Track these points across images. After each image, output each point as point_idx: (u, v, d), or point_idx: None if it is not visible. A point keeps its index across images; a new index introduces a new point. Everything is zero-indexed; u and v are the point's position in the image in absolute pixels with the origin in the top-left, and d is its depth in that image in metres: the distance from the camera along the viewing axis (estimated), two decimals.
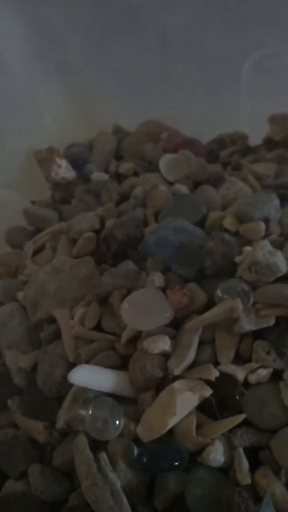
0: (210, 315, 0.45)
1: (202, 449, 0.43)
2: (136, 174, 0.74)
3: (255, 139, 0.76)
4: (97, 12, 0.73)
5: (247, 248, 0.49)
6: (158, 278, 0.49)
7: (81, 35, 0.75)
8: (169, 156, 0.70)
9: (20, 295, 0.57)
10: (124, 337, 0.48)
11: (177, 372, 0.44)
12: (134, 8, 0.71)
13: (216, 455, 0.42)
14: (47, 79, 0.75)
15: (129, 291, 0.51)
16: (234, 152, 0.76)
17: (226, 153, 0.76)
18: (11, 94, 0.73)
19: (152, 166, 0.73)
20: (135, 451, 0.44)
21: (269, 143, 0.73)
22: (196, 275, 0.50)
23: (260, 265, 0.46)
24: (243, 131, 0.78)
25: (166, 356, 0.46)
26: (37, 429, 0.49)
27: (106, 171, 0.76)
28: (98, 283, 0.51)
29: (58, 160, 0.72)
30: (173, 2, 0.70)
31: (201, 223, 0.56)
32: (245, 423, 0.43)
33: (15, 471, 0.50)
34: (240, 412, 0.44)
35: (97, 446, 0.45)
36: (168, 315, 0.47)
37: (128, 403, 0.47)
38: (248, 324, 0.45)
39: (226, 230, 0.52)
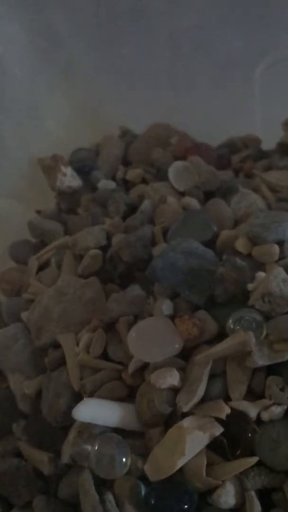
0: (221, 348, 0.43)
1: (212, 489, 0.41)
2: (144, 180, 0.72)
3: (268, 143, 0.73)
4: (102, 14, 0.69)
5: (261, 275, 0.46)
6: (166, 306, 0.47)
7: (86, 38, 0.71)
8: (178, 164, 0.67)
9: (24, 316, 0.56)
10: (131, 367, 0.46)
11: (186, 409, 0.42)
12: (141, 10, 0.68)
13: (227, 497, 0.40)
14: (50, 83, 0.72)
15: (136, 318, 0.49)
16: (246, 157, 0.73)
17: (238, 158, 0.73)
18: (13, 99, 0.70)
19: (161, 174, 0.71)
20: (143, 490, 0.42)
21: (284, 149, 0.70)
22: (206, 301, 0.47)
23: (274, 296, 0.43)
24: (256, 134, 0.74)
25: (174, 390, 0.44)
26: (41, 460, 0.48)
27: (114, 178, 0.74)
28: (104, 309, 0.49)
29: (63, 168, 0.69)
30: (182, 3, 0.67)
31: (212, 241, 0.54)
32: (258, 463, 0.41)
33: (20, 501, 0.48)
34: (252, 451, 0.42)
35: (103, 483, 0.44)
36: (177, 346, 0.45)
37: (136, 438, 0.45)
38: (261, 359, 0.42)
39: (238, 252, 0.50)
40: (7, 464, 0.49)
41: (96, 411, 0.44)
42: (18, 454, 0.50)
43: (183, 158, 0.71)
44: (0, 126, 0.68)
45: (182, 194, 0.65)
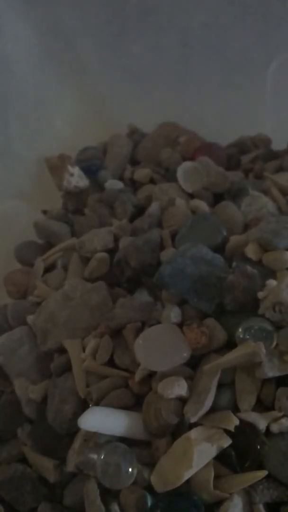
0: (230, 358, 0.42)
1: (219, 501, 0.41)
2: (152, 181, 0.71)
3: (278, 143, 0.72)
4: (111, 12, 0.68)
5: (271, 283, 0.45)
6: (174, 314, 0.46)
7: (94, 35, 0.70)
8: (187, 165, 0.66)
9: (30, 319, 0.55)
10: (138, 375, 0.45)
11: (194, 420, 0.42)
12: (151, 8, 0.66)
13: (235, 510, 0.40)
14: (58, 81, 0.71)
15: (144, 324, 0.48)
16: (256, 157, 0.71)
17: (248, 159, 0.72)
18: (20, 97, 0.68)
19: (169, 174, 0.70)
20: (149, 501, 0.41)
21: None
22: (215, 309, 0.47)
23: (285, 305, 0.42)
24: (266, 134, 0.73)
25: (182, 400, 0.43)
26: (47, 467, 0.47)
27: (121, 177, 0.72)
28: (111, 315, 0.48)
29: (70, 168, 0.68)
30: (193, 1, 0.65)
31: (221, 246, 0.52)
32: (267, 476, 0.40)
33: (24, 507, 0.48)
34: (261, 463, 0.41)
35: (108, 492, 0.43)
36: (185, 354, 0.44)
37: (142, 447, 0.44)
38: (271, 370, 0.41)
39: (248, 258, 0.49)
40: (12, 470, 0.49)
41: (102, 420, 0.43)
42: (23, 459, 0.50)
43: (191, 158, 0.69)
44: (6, 125, 0.67)
45: (190, 195, 0.64)
